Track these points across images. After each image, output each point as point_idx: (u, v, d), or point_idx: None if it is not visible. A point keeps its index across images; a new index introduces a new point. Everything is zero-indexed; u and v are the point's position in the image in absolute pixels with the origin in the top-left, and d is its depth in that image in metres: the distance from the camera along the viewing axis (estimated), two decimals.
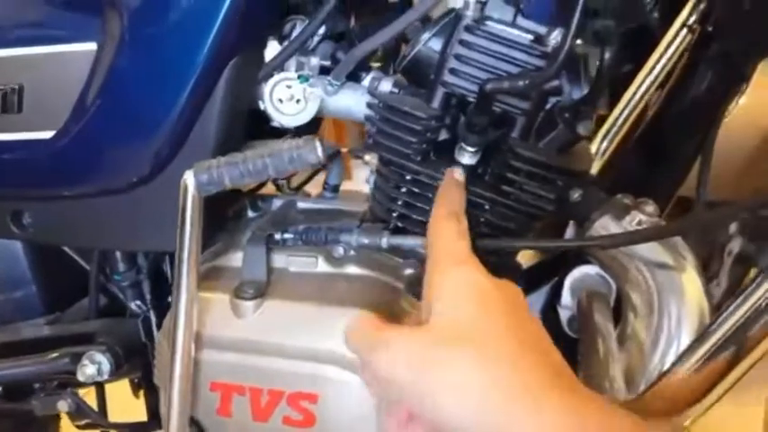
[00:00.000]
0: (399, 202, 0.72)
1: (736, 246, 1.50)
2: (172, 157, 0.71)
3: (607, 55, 0.64)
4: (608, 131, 1.00)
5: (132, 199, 0.73)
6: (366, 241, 0.70)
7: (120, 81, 0.70)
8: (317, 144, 0.59)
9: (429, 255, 0.54)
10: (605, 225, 0.68)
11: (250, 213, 0.87)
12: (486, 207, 0.70)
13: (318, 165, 0.61)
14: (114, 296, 0.92)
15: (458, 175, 0.65)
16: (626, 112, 0.98)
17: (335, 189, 0.90)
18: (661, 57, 1.01)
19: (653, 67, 1.01)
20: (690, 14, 0.97)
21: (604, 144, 1.02)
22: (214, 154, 0.70)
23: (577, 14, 0.63)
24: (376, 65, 0.81)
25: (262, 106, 0.75)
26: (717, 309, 0.63)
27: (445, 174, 0.66)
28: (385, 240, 0.70)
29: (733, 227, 1.10)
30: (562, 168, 0.67)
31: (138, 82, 0.70)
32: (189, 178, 0.60)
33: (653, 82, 1.01)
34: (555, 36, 0.66)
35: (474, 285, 0.50)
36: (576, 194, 0.69)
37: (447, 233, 0.55)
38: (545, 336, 0.50)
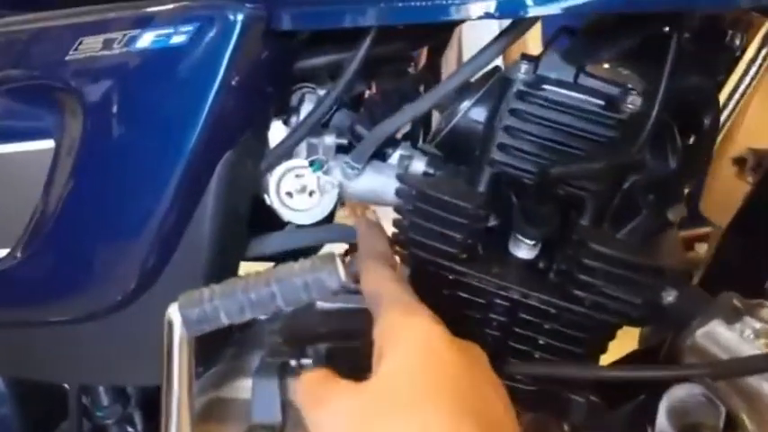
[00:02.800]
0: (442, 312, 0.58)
1: None
2: (158, 272, 0.57)
3: (707, 120, 0.50)
4: None
5: (111, 325, 0.60)
6: None
7: (86, 185, 0.56)
8: (338, 266, 0.46)
9: (372, 304, 0.51)
10: (713, 332, 0.54)
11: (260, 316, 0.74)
12: (552, 312, 0.57)
13: (340, 290, 0.47)
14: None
15: (370, 214, 0.59)
16: None
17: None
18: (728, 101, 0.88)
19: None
20: (758, 50, 0.84)
21: None
22: (209, 265, 0.59)
23: (668, 69, 0.49)
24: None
25: (267, 201, 0.62)
26: None
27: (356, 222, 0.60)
28: None
29: None
30: (650, 266, 0.54)
31: (107, 186, 0.56)
32: (174, 314, 0.47)
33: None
34: (632, 100, 0.53)
35: (426, 341, 0.47)
36: (669, 296, 0.55)
37: (385, 282, 0.52)
38: (503, 406, 0.46)
